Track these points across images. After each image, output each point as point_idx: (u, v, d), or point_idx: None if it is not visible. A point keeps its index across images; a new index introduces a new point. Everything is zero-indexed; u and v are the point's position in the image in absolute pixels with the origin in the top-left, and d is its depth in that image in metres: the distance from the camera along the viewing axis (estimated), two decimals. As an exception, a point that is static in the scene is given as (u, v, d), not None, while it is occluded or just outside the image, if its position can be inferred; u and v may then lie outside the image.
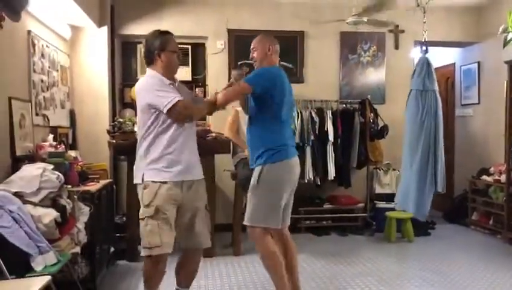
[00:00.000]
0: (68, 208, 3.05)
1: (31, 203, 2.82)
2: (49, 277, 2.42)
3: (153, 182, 2.67)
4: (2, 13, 2.76)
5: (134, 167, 2.82)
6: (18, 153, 3.37)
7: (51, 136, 3.96)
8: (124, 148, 4.31)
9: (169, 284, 3.06)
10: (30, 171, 2.95)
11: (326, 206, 5.63)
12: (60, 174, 3.06)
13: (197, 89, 5.59)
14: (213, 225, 4.53)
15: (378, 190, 5.77)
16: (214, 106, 2.93)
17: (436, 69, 6.59)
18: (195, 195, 2.84)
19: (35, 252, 2.54)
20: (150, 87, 2.67)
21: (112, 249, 4.28)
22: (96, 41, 5.03)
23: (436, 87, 3.95)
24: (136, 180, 2.76)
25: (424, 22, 3.95)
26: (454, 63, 6.67)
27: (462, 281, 3.86)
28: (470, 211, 5.84)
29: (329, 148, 5.45)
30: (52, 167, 3.09)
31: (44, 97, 4.06)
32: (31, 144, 3.65)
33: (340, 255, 4.61)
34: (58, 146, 3.83)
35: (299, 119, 5.40)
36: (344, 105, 5.75)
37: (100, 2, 5.03)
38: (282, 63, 5.75)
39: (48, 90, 4.16)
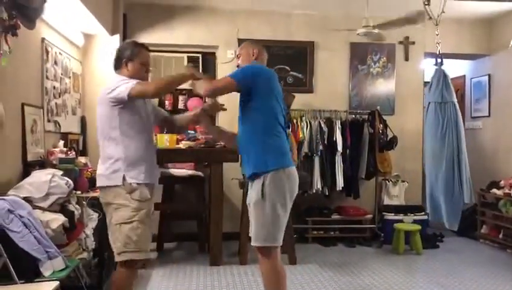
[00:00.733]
0: (76, 214, 3.09)
1: (40, 208, 2.85)
2: (57, 282, 2.44)
3: (138, 184, 2.63)
4: (17, 21, 2.81)
5: (105, 169, 2.68)
6: (29, 158, 3.41)
7: (61, 142, 4.00)
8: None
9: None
10: (39, 177, 2.99)
11: (334, 216, 5.61)
12: (69, 180, 3.09)
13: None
14: (220, 233, 4.56)
15: (387, 201, 5.75)
16: (191, 78, 2.76)
17: (446, 81, 6.64)
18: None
19: (44, 257, 2.57)
20: (113, 84, 2.66)
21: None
22: (108, 49, 5.09)
23: (455, 99, 3.94)
24: (110, 181, 2.63)
25: (437, 34, 3.95)
26: (464, 76, 6.65)
27: (471, 295, 3.82)
28: (480, 224, 5.78)
29: (338, 159, 5.44)
30: (61, 172, 3.13)
31: (56, 104, 4.11)
32: (42, 149, 3.69)
33: (347, 267, 4.58)
34: (69, 152, 3.87)
35: (308, 129, 5.41)
36: (353, 115, 5.75)
37: (113, 10, 5.09)
38: (291, 72, 5.83)
39: (60, 96, 4.21)
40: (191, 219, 5.23)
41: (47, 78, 3.90)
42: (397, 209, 5.54)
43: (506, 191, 5.32)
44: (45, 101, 3.86)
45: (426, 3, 3.95)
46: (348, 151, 5.49)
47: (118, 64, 2.78)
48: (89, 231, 3.28)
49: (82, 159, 3.98)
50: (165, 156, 4.50)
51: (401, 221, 5.32)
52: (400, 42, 5.99)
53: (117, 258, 2.63)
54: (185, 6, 5.55)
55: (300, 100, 5.56)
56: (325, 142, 5.42)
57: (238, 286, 3.99)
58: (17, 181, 3.07)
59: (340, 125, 5.48)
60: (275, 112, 2.75)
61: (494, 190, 5.50)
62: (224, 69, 5.69)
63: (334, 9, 5.68)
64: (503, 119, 5.80)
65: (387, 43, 5.95)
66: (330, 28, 5.84)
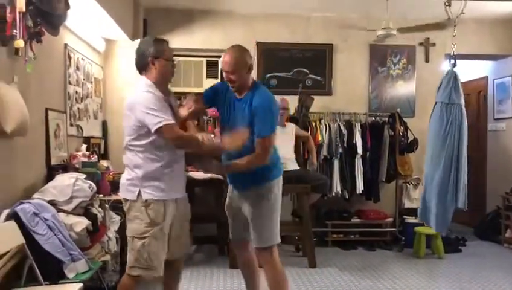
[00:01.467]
0: (99, 217, 3.13)
1: (64, 211, 2.90)
2: (80, 284, 2.49)
3: (154, 200, 2.53)
4: (42, 28, 2.88)
5: (122, 179, 2.65)
6: (53, 162, 3.48)
7: (84, 146, 4.07)
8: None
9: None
10: (63, 181, 3.04)
11: (354, 220, 5.57)
12: (92, 183, 3.14)
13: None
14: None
15: (408, 204, 5.68)
16: (220, 150, 2.70)
17: (467, 82, 6.55)
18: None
19: (68, 260, 2.62)
20: (146, 103, 2.48)
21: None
22: (129, 54, 5.13)
23: (463, 102, 3.88)
24: (127, 194, 2.57)
25: (454, 36, 3.90)
26: (486, 76, 6.55)
27: (495, 300, 3.75)
28: (503, 228, 5.68)
29: (358, 162, 5.41)
30: (84, 176, 3.18)
31: (78, 108, 4.19)
32: (65, 153, 3.76)
33: (367, 270, 4.55)
34: (91, 156, 3.92)
35: (327, 131, 5.39)
36: (373, 118, 5.71)
37: (134, 16, 5.17)
38: (310, 75, 5.82)
39: (82, 101, 4.29)
40: (210, 221, 5.24)
41: (70, 83, 3.97)
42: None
43: (531, 194, 5.21)
44: (68, 106, 3.93)
45: (447, 4, 3.90)
46: (367, 154, 5.46)
47: (144, 65, 2.59)
48: (111, 233, 3.32)
49: (104, 163, 4.04)
50: (186, 159, 4.49)
51: (422, 224, 5.25)
52: (420, 44, 5.93)
53: (127, 270, 2.58)
54: (203, 11, 5.59)
55: (319, 103, 5.54)
56: (345, 145, 5.40)
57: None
58: (42, 185, 3.13)
59: (359, 128, 5.45)
60: None
61: (518, 193, 5.39)
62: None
63: (353, 11, 5.66)
64: (527, 120, 5.70)
65: (408, 44, 5.90)
66: (349, 30, 5.82)
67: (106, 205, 3.38)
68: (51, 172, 3.35)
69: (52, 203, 2.85)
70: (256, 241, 2.84)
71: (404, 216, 5.57)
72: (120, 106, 5.06)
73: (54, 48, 3.64)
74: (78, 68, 4.18)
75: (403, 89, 5.94)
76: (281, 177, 2.90)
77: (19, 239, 2.48)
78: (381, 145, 5.52)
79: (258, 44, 5.70)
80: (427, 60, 5.95)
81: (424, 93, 5.89)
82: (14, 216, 2.55)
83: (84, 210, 3.02)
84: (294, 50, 5.68)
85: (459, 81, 3.85)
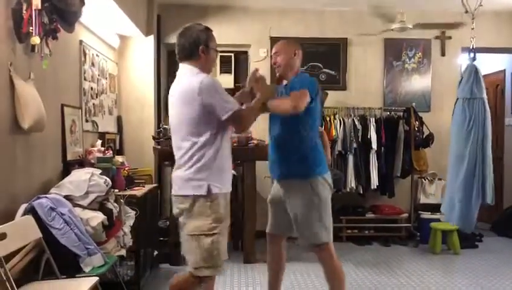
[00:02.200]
0: (115, 212, 3.15)
1: (80, 206, 2.93)
2: (96, 278, 2.52)
3: (221, 193, 2.44)
4: (57, 25, 2.90)
5: (181, 174, 2.45)
6: (69, 157, 3.51)
7: (99, 142, 4.10)
8: (169, 154, 4.41)
9: None
10: (79, 176, 3.07)
11: (369, 215, 5.54)
12: (107, 178, 3.16)
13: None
14: (253, 231, 4.59)
15: (423, 199, 5.63)
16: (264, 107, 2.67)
17: (485, 76, 6.35)
18: None
19: (84, 254, 2.64)
20: (213, 88, 2.38)
21: (156, 252, 4.37)
22: (143, 49, 5.19)
23: (485, 95, 3.81)
24: (193, 190, 2.40)
25: (472, 29, 3.84)
26: (504, 70, 6.44)
27: (512, 297, 3.71)
28: (521, 224, 5.60)
29: (373, 157, 5.37)
30: (100, 171, 3.20)
31: (93, 104, 4.22)
32: (81, 149, 3.80)
33: (382, 266, 4.52)
34: (106, 151, 3.96)
35: (342, 126, 5.36)
36: (388, 113, 5.66)
37: (147, 12, 5.19)
38: (324, 70, 5.79)
39: (97, 97, 4.32)
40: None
41: (85, 79, 4.01)
42: (434, 208, 5.41)
43: (550, 189, 5.12)
44: (83, 101, 3.97)
45: (464, -4, 3.84)
46: (382, 149, 5.42)
47: (193, 52, 2.47)
48: (126, 228, 3.35)
49: (119, 158, 4.07)
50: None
51: (438, 220, 5.20)
52: (437, 37, 5.86)
53: (193, 272, 2.43)
54: (217, 6, 5.59)
55: (333, 98, 5.51)
56: (359, 140, 5.36)
57: (272, 284, 4.00)
58: (58, 180, 3.16)
59: (374, 123, 5.41)
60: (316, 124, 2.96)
61: (537, 189, 5.30)
62: (257, 67, 5.70)
63: (368, 5, 5.60)
64: (546, 115, 5.59)
65: (423, 38, 5.82)
66: (363, 24, 5.77)
67: (121, 200, 3.40)
68: (67, 167, 3.38)
69: (68, 198, 2.88)
70: (308, 239, 2.86)
71: (420, 212, 5.52)
72: (134, 102, 5.17)
73: (69, 45, 3.67)
74: (93, 64, 4.21)
75: (418, 83, 5.88)
76: (327, 175, 2.88)
77: (36, 233, 2.52)
78: (396, 140, 5.47)
79: (272, 39, 5.67)
80: (443, 54, 5.88)
81: (439, 87, 5.82)
82: (31, 211, 2.58)
83: (100, 205, 3.04)
84: (308, 44, 5.64)
85: (480, 75, 3.79)
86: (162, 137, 4.46)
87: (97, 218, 2.91)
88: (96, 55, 4.32)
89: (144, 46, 5.19)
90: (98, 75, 4.38)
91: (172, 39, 5.56)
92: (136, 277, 3.66)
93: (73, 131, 3.66)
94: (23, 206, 2.62)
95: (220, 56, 5.80)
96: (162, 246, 4.52)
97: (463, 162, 3.75)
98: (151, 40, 5.21)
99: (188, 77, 2.45)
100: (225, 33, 5.61)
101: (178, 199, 2.48)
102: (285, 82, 3.01)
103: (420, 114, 5.58)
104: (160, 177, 5.26)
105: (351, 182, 5.31)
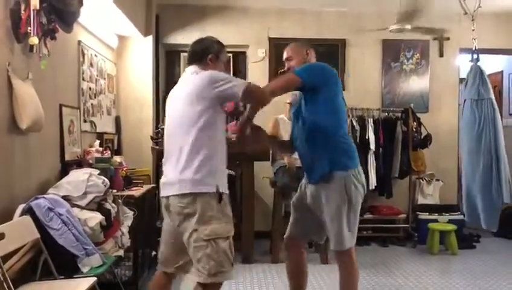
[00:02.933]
0: (113, 212, 3.15)
1: (78, 206, 2.93)
2: (94, 279, 2.52)
3: (226, 194, 2.38)
4: (55, 25, 2.90)
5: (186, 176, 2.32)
6: (67, 158, 3.51)
7: (97, 142, 4.10)
8: (167, 154, 4.42)
9: None
10: (77, 176, 3.07)
11: (367, 216, 5.53)
12: (105, 179, 3.17)
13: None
14: (252, 231, 4.59)
15: (421, 200, 5.65)
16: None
17: (483, 77, 6.46)
18: None
19: (82, 254, 2.64)
20: (216, 77, 2.37)
21: (154, 253, 4.37)
22: (141, 50, 5.19)
23: (492, 95, 3.82)
24: (202, 187, 2.31)
25: (473, 30, 3.85)
26: (502, 71, 6.46)
27: (510, 297, 3.71)
28: (519, 224, 5.60)
29: (371, 157, 5.37)
30: (98, 171, 3.21)
31: (92, 104, 4.22)
32: (79, 149, 3.79)
33: (380, 267, 4.53)
34: (104, 152, 3.95)
35: (340, 127, 5.36)
36: (386, 113, 5.66)
37: (146, 12, 5.19)
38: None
39: (95, 97, 4.32)
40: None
41: (83, 79, 4.01)
42: (432, 209, 5.43)
43: (547, 190, 5.13)
44: (81, 102, 3.96)
45: (462, -2, 3.85)
46: (380, 149, 5.42)
47: (201, 57, 2.51)
48: (124, 229, 3.35)
49: (117, 158, 4.07)
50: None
51: (435, 221, 5.21)
52: (435, 38, 5.86)
53: (208, 279, 2.27)
54: (216, 7, 5.59)
55: (331, 98, 5.50)
56: (358, 140, 5.35)
57: (270, 283, 4.00)
58: (56, 180, 3.16)
59: (372, 124, 5.41)
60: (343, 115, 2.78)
61: (534, 189, 5.30)
62: (255, 68, 5.72)
63: (366, 6, 5.61)
64: (543, 116, 5.60)
65: (421, 39, 5.84)
66: (362, 25, 5.77)
67: (119, 200, 3.40)
68: (65, 168, 3.38)
69: (66, 198, 2.88)
70: (333, 244, 2.68)
71: (418, 212, 5.53)
72: (133, 102, 5.17)
73: (68, 45, 3.67)
74: (91, 64, 4.21)
75: (416, 84, 5.89)
76: (358, 170, 2.69)
77: (34, 234, 2.52)
78: (394, 141, 5.48)
79: (271, 40, 5.68)
80: (441, 55, 5.88)
81: (438, 88, 5.83)
82: (29, 211, 2.58)
83: (98, 205, 3.04)
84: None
85: (485, 75, 3.81)
86: (161, 137, 4.45)
87: (95, 218, 2.91)
88: (95, 55, 4.32)
89: (143, 47, 5.19)
90: (97, 76, 4.38)
91: (171, 40, 5.61)
92: (134, 278, 3.65)
93: (72, 131, 3.66)
94: (21, 207, 2.62)
95: (219, 56, 5.80)
96: (160, 246, 4.51)
97: (478, 163, 3.75)
98: (149, 40, 5.21)
99: (194, 74, 2.45)
100: (223, 33, 5.57)
101: (181, 202, 2.32)
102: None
103: (418, 115, 5.58)
104: (159, 178, 5.25)
105: (349, 183, 5.30)
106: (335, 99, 2.70)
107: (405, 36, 5.65)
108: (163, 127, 4.51)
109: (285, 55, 2.93)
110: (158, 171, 5.24)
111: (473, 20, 3.83)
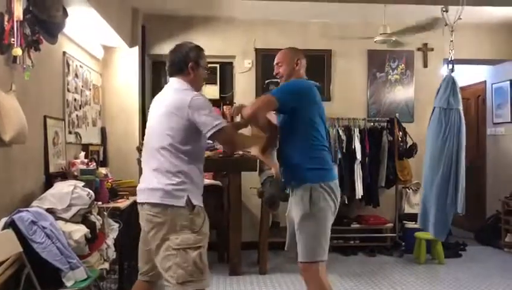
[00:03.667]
0: (98, 225, 3.12)
1: (63, 219, 2.89)
2: (79, 293, 2.47)
3: (200, 206, 2.45)
4: (40, 36, 2.88)
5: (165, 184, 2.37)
6: (51, 170, 3.47)
7: (82, 154, 4.07)
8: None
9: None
10: (61, 188, 3.03)
11: (354, 225, 5.55)
12: (90, 191, 3.13)
13: (224, 107, 5.65)
14: (239, 242, 4.56)
15: (407, 209, 5.67)
16: (245, 125, 2.71)
17: (466, 87, 6.56)
18: None
19: (66, 268, 2.60)
20: (201, 104, 2.39)
21: (140, 265, 4.32)
22: (127, 60, 5.18)
23: (461, 106, 3.88)
24: (172, 200, 2.36)
25: (451, 41, 3.91)
26: (485, 81, 6.56)
27: (496, 306, 3.74)
28: (503, 232, 5.66)
29: (357, 167, 5.39)
30: (83, 183, 3.17)
31: (77, 115, 4.19)
32: (64, 161, 3.75)
33: (368, 276, 4.53)
34: (90, 163, 3.92)
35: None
36: (372, 123, 5.71)
37: (132, 23, 5.18)
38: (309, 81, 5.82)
39: (80, 108, 4.29)
40: (210, 228, 5.23)
41: (68, 90, 3.98)
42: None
43: (531, 198, 5.20)
44: (66, 113, 3.93)
45: (444, 9, 3.91)
46: (367, 159, 5.44)
47: (181, 68, 2.51)
48: (110, 241, 3.31)
49: (102, 170, 4.04)
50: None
51: (422, 230, 5.23)
52: (419, 49, 5.95)
53: (178, 288, 2.32)
54: (202, 17, 5.60)
55: (318, 109, 5.53)
56: (344, 150, 5.39)
57: (258, 296, 3.98)
58: (40, 192, 3.12)
59: (358, 134, 5.44)
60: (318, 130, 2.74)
61: (518, 198, 5.38)
62: (242, 78, 5.73)
63: (351, 18, 5.67)
64: (526, 125, 5.69)
65: (406, 50, 5.91)
66: (347, 36, 5.83)
67: (105, 213, 3.36)
68: (50, 180, 3.34)
69: (50, 211, 2.84)
70: (298, 256, 2.66)
71: (404, 221, 5.55)
72: (118, 113, 5.14)
73: (53, 56, 3.64)
74: (76, 75, 4.18)
75: (401, 94, 5.95)
76: (330, 183, 2.66)
77: (17, 248, 2.47)
78: (380, 151, 5.51)
79: (257, 50, 5.71)
80: (425, 65, 5.96)
81: (422, 98, 5.90)
82: (11, 224, 2.54)
83: (83, 218, 3.01)
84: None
85: (457, 86, 3.86)
86: (147, 148, 4.42)
87: (80, 231, 2.87)
88: (80, 66, 4.29)
89: (129, 57, 5.18)
90: (82, 86, 4.35)
91: (157, 50, 5.60)
92: (120, 290, 3.61)
93: (56, 143, 3.62)
94: (3, 220, 2.57)
95: (205, 67, 5.80)
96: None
97: (437, 171, 3.79)
98: (135, 51, 5.20)
99: (177, 91, 2.46)
100: (210, 44, 5.61)
101: (151, 211, 2.37)
102: None
103: (404, 124, 5.64)
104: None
105: (336, 193, 5.32)
106: (311, 117, 2.70)
107: (390, 47, 5.72)
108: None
109: (276, 60, 2.95)
110: (144, 183, 5.21)
111: (452, 31, 3.88)
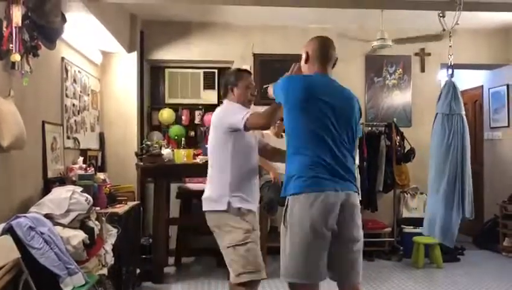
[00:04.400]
0: (96, 230, 3.11)
1: (61, 224, 2.88)
2: (77, 298, 2.47)
3: (244, 209, 2.77)
4: (38, 42, 2.89)
5: (212, 192, 2.79)
6: (50, 175, 3.47)
7: (80, 159, 4.06)
8: (151, 170, 4.40)
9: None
10: (59, 194, 3.02)
11: (352, 230, 5.54)
12: (88, 196, 3.12)
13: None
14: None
15: (406, 214, 5.67)
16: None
17: (464, 91, 6.57)
18: None
19: (64, 274, 2.59)
20: (229, 111, 2.80)
21: (138, 270, 4.31)
22: (125, 66, 5.19)
23: (463, 111, 3.90)
24: (216, 205, 2.76)
25: (450, 46, 3.93)
26: (482, 86, 6.58)
27: (494, 310, 3.74)
28: (501, 237, 5.67)
29: (355, 171, 5.39)
30: (81, 189, 3.16)
31: (75, 121, 4.19)
32: (62, 166, 3.75)
33: (366, 281, 4.52)
34: (88, 168, 3.92)
35: (324, 142, 5.38)
36: (370, 128, 5.72)
37: (130, 28, 5.20)
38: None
39: (79, 114, 4.29)
40: (208, 233, 5.19)
41: (66, 96, 3.98)
42: (416, 222, 5.45)
43: (528, 202, 5.21)
44: (65, 118, 3.93)
45: (441, 15, 3.93)
46: (364, 164, 5.46)
47: (225, 91, 2.96)
48: (108, 246, 3.30)
49: (101, 175, 4.03)
50: (183, 171, 4.54)
51: (420, 234, 5.23)
52: (416, 54, 5.97)
53: (236, 280, 2.68)
54: (201, 23, 5.62)
55: (316, 113, 5.54)
56: (342, 155, 5.39)
57: (256, 301, 3.97)
58: (38, 198, 3.12)
59: (356, 138, 5.45)
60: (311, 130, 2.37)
61: (516, 202, 5.39)
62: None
63: (349, 23, 5.69)
64: (523, 129, 5.71)
65: (403, 54, 5.94)
66: (345, 41, 5.85)
67: (103, 218, 3.36)
68: (48, 185, 3.34)
69: (48, 216, 2.84)
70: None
71: (403, 226, 5.56)
72: (117, 118, 5.14)
73: (51, 62, 3.65)
74: (75, 81, 4.19)
75: (399, 98, 5.97)
76: (302, 197, 2.26)
77: (15, 253, 2.46)
78: (378, 155, 5.52)
79: (255, 55, 5.72)
80: (422, 70, 5.99)
81: (420, 102, 5.92)
82: (9, 230, 2.53)
83: (81, 223, 3.00)
84: (291, 61, 5.62)
85: (458, 91, 3.87)
86: (145, 154, 4.43)
87: (78, 237, 2.86)
88: (78, 71, 4.30)
89: (127, 62, 5.19)
90: (80, 92, 4.35)
91: (156, 55, 5.61)
92: (118, 296, 3.60)
93: (54, 148, 3.63)
94: (1, 226, 2.57)
95: (204, 72, 5.83)
96: (144, 264, 4.46)
97: (443, 177, 3.80)
98: (134, 56, 5.21)
99: (220, 108, 2.92)
100: (209, 49, 5.65)
101: (208, 217, 2.83)
102: None
103: (401, 129, 5.66)
104: (143, 194, 5.21)
105: (334, 197, 5.32)
106: (299, 117, 2.35)
107: (387, 52, 5.74)
108: (147, 143, 4.52)
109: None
110: (143, 188, 5.22)
111: (450, 36, 3.91)
